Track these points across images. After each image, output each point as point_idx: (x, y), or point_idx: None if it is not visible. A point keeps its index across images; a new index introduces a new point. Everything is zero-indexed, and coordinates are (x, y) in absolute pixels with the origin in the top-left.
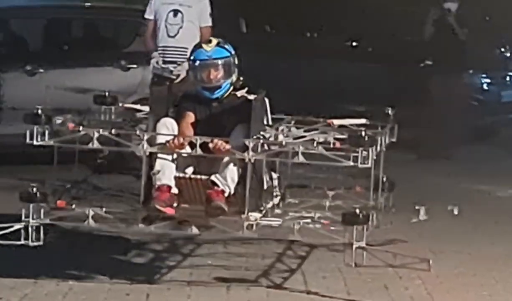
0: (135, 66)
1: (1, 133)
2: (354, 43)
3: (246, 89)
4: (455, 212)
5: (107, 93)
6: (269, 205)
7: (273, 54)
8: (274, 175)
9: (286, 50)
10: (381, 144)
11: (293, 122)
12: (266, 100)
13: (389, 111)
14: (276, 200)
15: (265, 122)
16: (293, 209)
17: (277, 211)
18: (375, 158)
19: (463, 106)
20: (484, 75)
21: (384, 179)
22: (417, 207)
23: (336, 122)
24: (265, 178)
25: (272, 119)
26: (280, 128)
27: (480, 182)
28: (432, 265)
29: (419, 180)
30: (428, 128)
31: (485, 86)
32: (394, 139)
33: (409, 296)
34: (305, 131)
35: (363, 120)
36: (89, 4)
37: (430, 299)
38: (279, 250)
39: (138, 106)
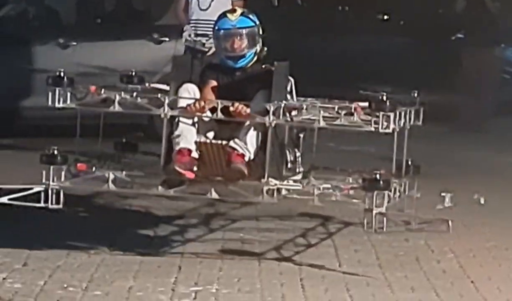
0: (167, 39)
1: (34, 106)
2: (385, 17)
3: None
4: (482, 202)
5: (133, 73)
6: (291, 175)
7: (304, 28)
8: (298, 153)
9: (318, 24)
10: (405, 123)
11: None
12: (292, 80)
13: (415, 95)
14: (299, 176)
15: (288, 90)
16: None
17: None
18: (396, 127)
19: (495, 80)
20: None
21: (409, 162)
22: (442, 194)
23: (362, 104)
24: (289, 154)
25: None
26: (304, 105)
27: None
28: (464, 238)
29: (451, 153)
30: (460, 101)
31: None
32: (419, 123)
33: (441, 269)
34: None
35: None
36: None
37: (462, 273)
38: (311, 225)
39: (164, 86)
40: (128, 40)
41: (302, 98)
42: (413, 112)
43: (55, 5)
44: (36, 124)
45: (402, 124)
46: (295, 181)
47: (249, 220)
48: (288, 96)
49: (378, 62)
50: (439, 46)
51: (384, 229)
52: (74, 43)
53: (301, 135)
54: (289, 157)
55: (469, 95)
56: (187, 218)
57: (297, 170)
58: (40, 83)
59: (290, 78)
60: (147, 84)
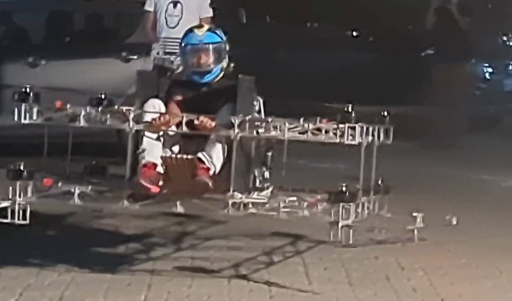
0: (135, 57)
1: (2, 125)
2: (354, 33)
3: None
4: (454, 222)
5: (103, 96)
6: (259, 191)
7: (272, 45)
8: (266, 171)
9: (286, 40)
10: (373, 139)
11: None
12: (260, 100)
13: (385, 113)
14: (266, 192)
15: (254, 104)
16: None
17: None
18: (363, 141)
19: (465, 96)
20: (486, 64)
21: (379, 181)
22: (414, 214)
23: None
24: (257, 172)
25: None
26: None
27: (483, 171)
28: (435, 256)
29: (421, 170)
30: (431, 118)
31: (487, 75)
32: (389, 142)
33: (411, 287)
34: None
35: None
36: None
37: (433, 291)
38: (281, 243)
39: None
40: (97, 59)
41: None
42: (382, 130)
43: (24, 24)
44: (3, 142)
45: (370, 141)
46: (260, 196)
47: (218, 239)
48: (257, 115)
49: (347, 79)
50: (409, 62)
51: (351, 242)
52: (43, 62)
53: (269, 153)
54: (257, 175)
55: (440, 112)
56: (157, 237)
57: (265, 188)
58: (8, 101)
59: (259, 98)
60: (115, 107)
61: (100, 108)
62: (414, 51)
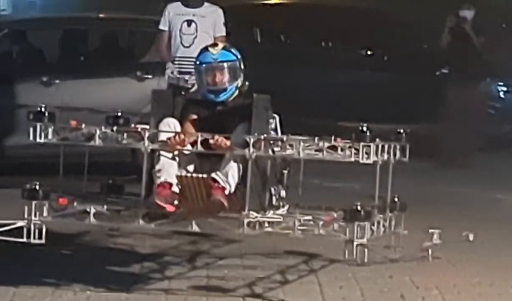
0: (150, 76)
1: (17, 144)
2: (369, 52)
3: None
4: (471, 238)
5: (119, 114)
6: (274, 209)
7: (287, 64)
8: (282, 189)
9: (301, 60)
10: (388, 157)
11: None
12: (276, 117)
13: (401, 131)
14: (282, 211)
15: (269, 122)
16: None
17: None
18: (379, 159)
19: (480, 115)
20: (501, 83)
21: (395, 199)
22: (430, 230)
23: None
24: (273, 190)
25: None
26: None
27: (498, 190)
28: (449, 274)
29: (437, 189)
30: (445, 137)
31: (502, 94)
32: (405, 159)
33: None
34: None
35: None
36: (104, 15)
37: None
38: (296, 262)
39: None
40: (112, 78)
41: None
42: (398, 147)
43: (38, 43)
44: (19, 162)
45: (385, 158)
46: (276, 214)
47: (233, 258)
48: (273, 133)
49: (362, 98)
50: (424, 81)
51: (366, 260)
52: (57, 81)
53: (285, 171)
54: (274, 193)
55: (454, 131)
56: (171, 256)
57: (281, 206)
58: (24, 122)
59: (275, 115)
60: (132, 126)
61: (115, 127)
62: (429, 70)
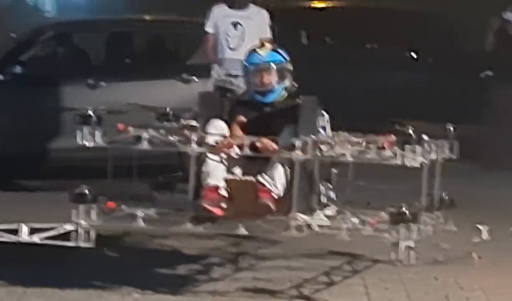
0: (196, 78)
1: (64, 147)
2: (414, 54)
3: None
4: None
5: (169, 111)
6: (323, 208)
7: (333, 66)
8: (330, 187)
9: (347, 61)
10: (436, 158)
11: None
12: (326, 114)
13: (450, 127)
14: (331, 210)
15: (318, 122)
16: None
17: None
18: (426, 161)
19: None
20: None
21: (443, 196)
22: (479, 226)
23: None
24: (323, 188)
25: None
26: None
27: None
28: (493, 275)
29: (482, 191)
30: (490, 139)
31: None
32: (454, 156)
33: None
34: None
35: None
36: (150, 17)
37: None
38: (341, 263)
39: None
40: (157, 80)
41: (335, 133)
42: (446, 145)
43: (83, 46)
44: (66, 165)
45: (433, 158)
46: (324, 215)
47: (278, 259)
48: (322, 131)
49: (406, 100)
50: (468, 83)
51: (413, 262)
52: (103, 84)
53: (334, 170)
54: (323, 192)
55: (499, 133)
56: (217, 257)
57: (330, 205)
58: (70, 124)
59: (325, 113)
60: (182, 120)
61: (162, 130)
62: (473, 72)
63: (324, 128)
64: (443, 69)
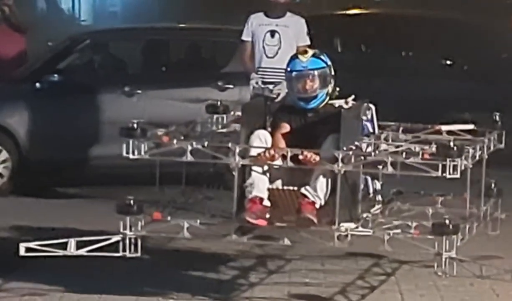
0: (231, 86)
1: (102, 155)
2: (449, 62)
3: (352, 97)
4: None
5: (219, 102)
6: (365, 215)
7: (368, 74)
8: (377, 183)
9: (382, 69)
10: (483, 151)
11: (400, 129)
12: (372, 107)
13: (497, 117)
14: (376, 209)
15: (360, 131)
16: (393, 218)
17: (380, 219)
18: (469, 165)
19: None
20: None
21: (492, 185)
22: None
23: (444, 128)
24: (364, 186)
25: (379, 126)
26: (383, 136)
27: None
28: None
29: None
30: None
31: None
32: (502, 146)
33: None
34: (413, 137)
35: (471, 126)
36: (185, 25)
37: None
38: (375, 266)
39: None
40: (193, 88)
41: (384, 124)
42: (495, 135)
43: (120, 54)
44: (104, 172)
45: (479, 156)
46: (367, 220)
47: (313, 262)
48: (369, 125)
49: (442, 107)
50: (504, 90)
51: (454, 273)
52: (139, 92)
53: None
54: (370, 186)
55: None
56: (252, 260)
57: (376, 201)
58: (107, 132)
59: (371, 106)
60: (231, 113)
61: (206, 143)
62: (508, 79)
63: (371, 121)
64: (478, 76)
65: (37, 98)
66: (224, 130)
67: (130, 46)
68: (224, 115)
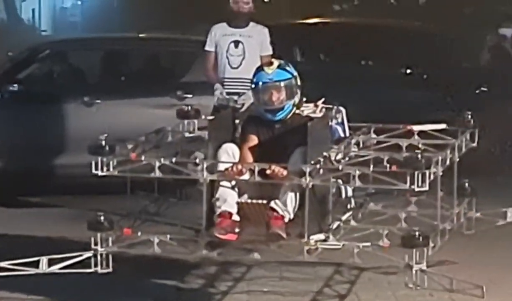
0: (190, 96)
1: (64, 164)
2: (408, 71)
3: (322, 100)
4: None
5: (189, 107)
6: (336, 224)
7: (327, 83)
8: (349, 189)
9: (341, 78)
10: (456, 150)
11: (372, 129)
12: (343, 110)
13: (469, 117)
14: (348, 216)
15: (329, 140)
16: (364, 225)
17: (351, 225)
18: (439, 173)
19: None
20: None
21: (466, 185)
22: (504, 209)
23: (416, 128)
24: (335, 190)
25: (351, 127)
26: (353, 141)
27: None
28: (490, 292)
29: None
30: (484, 156)
31: None
32: (474, 144)
33: None
34: (385, 137)
35: (443, 126)
36: (144, 35)
37: None
38: (335, 274)
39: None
40: (152, 98)
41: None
42: (467, 134)
43: (80, 64)
44: (66, 182)
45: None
46: (338, 229)
47: (272, 270)
48: (339, 128)
49: (402, 116)
50: (464, 99)
51: (425, 285)
52: (98, 101)
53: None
54: (343, 190)
55: (493, 150)
56: (213, 267)
57: (349, 206)
58: (65, 141)
59: (342, 108)
60: (203, 117)
61: (174, 159)
62: (468, 88)
63: (342, 124)
64: (438, 85)
65: None
66: (193, 135)
67: (90, 56)
68: (195, 121)
